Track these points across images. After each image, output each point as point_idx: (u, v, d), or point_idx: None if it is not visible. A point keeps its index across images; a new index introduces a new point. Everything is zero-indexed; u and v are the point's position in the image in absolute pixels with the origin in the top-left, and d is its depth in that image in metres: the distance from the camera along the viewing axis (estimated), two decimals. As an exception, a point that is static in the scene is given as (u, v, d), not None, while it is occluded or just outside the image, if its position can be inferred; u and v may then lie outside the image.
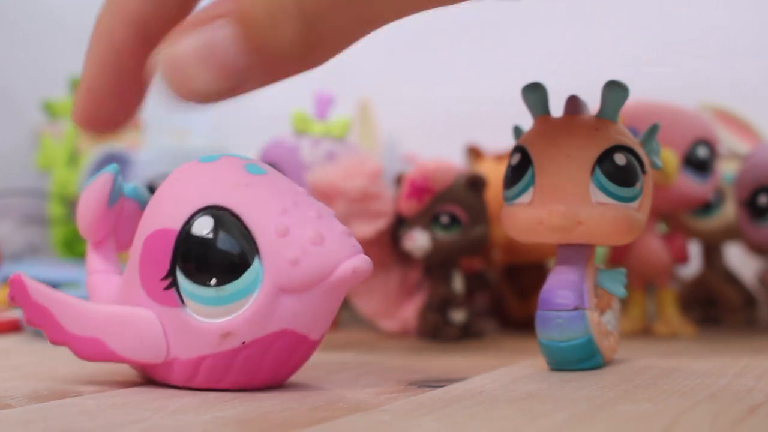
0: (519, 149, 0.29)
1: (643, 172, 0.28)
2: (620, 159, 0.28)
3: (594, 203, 0.27)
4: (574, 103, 0.29)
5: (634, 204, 0.28)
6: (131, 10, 0.24)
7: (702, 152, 0.42)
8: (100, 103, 0.26)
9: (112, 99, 0.26)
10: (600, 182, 0.27)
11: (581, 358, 0.28)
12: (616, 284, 0.30)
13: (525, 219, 0.28)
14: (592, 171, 0.27)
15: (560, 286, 0.28)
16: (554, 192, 0.28)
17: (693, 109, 0.45)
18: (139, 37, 0.25)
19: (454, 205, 0.42)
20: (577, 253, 0.29)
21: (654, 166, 0.29)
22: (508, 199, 0.29)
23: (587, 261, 0.29)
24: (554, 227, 0.27)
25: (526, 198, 0.28)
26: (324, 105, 0.52)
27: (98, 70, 0.25)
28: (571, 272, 0.29)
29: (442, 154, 0.48)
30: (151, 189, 0.55)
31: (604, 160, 0.28)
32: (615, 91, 0.28)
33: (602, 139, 0.28)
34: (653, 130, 0.30)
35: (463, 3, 0.26)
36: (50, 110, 0.64)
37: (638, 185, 0.28)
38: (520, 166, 0.29)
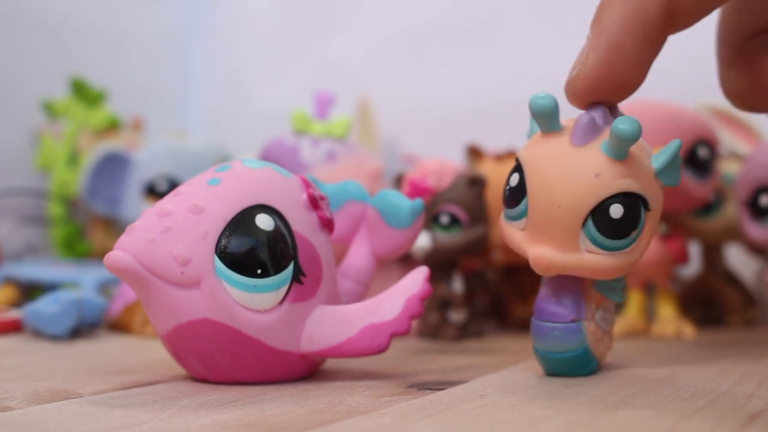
0: (518, 170, 0.28)
1: (648, 209, 0.27)
2: (617, 211, 0.26)
3: (583, 251, 0.26)
4: (580, 129, 0.26)
5: (629, 248, 0.27)
6: None
7: (702, 152, 0.42)
8: (622, 58, 0.26)
9: (627, 59, 0.26)
10: (591, 234, 0.26)
11: (577, 367, 0.28)
12: (613, 290, 0.29)
13: (517, 245, 0.28)
14: (585, 222, 0.26)
15: (558, 295, 0.28)
16: (543, 236, 0.27)
17: (693, 109, 0.45)
18: (666, 10, 0.26)
19: (454, 205, 0.42)
20: None
21: (672, 185, 0.27)
22: (506, 216, 0.29)
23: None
24: (539, 270, 0.27)
25: (520, 224, 0.28)
26: (324, 105, 0.52)
27: (626, 24, 0.26)
28: (568, 280, 0.28)
29: (442, 154, 0.48)
30: (151, 189, 0.56)
31: (599, 212, 0.26)
32: (625, 132, 0.25)
33: (600, 188, 0.26)
34: (675, 150, 0.27)
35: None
36: (50, 110, 0.64)
37: (635, 233, 0.26)
38: (518, 191, 0.28)
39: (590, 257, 0.26)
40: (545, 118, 0.27)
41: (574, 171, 0.26)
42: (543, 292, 0.28)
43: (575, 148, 0.26)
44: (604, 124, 0.27)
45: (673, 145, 0.27)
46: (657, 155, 0.27)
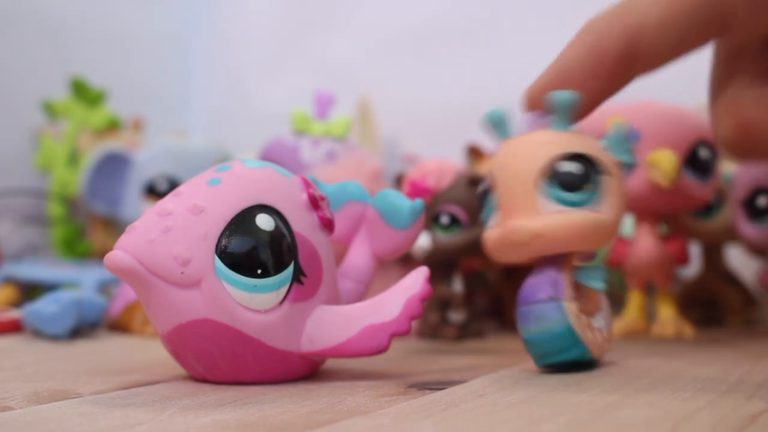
0: (487, 176, 0.30)
1: (599, 172, 0.29)
2: (565, 165, 0.28)
3: (546, 214, 0.28)
4: (529, 122, 0.30)
5: (592, 205, 0.28)
6: (629, 24, 0.27)
7: (703, 153, 0.42)
8: (567, 85, 0.28)
9: (575, 87, 0.28)
10: (548, 192, 0.28)
11: (562, 348, 0.28)
12: (594, 279, 0.30)
13: (494, 241, 0.29)
14: (539, 183, 0.28)
15: (536, 279, 0.29)
16: (509, 213, 0.29)
17: (693, 109, 0.45)
18: (625, 50, 0.27)
19: (454, 205, 0.42)
20: (553, 256, 0.29)
21: (627, 163, 0.30)
22: (484, 224, 0.30)
23: (564, 260, 0.29)
24: (514, 244, 0.28)
25: (494, 221, 0.30)
26: (324, 105, 0.52)
27: (579, 56, 0.28)
28: (547, 269, 0.29)
29: (442, 154, 0.48)
30: (151, 189, 0.56)
31: (550, 170, 0.28)
32: (561, 98, 0.28)
33: (547, 152, 0.28)
34: (616, 130, 0.30)
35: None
36: (50, 110, 0.64)
37: (590, 186, 0.28)
38: (486, 192, 0.30)
39: (556, 215, 0.28)
40: (497, 127, 0.30)
41: (524, 145, 0.29)
42: (525, 282, 0.29)
43: (525, 135, 0.29)
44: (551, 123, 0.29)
45: (618, 125, 0.30)
46: (605, 137, 0.30)
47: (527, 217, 0.28)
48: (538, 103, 0.29)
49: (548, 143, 0.29)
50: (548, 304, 0.28)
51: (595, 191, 0.28)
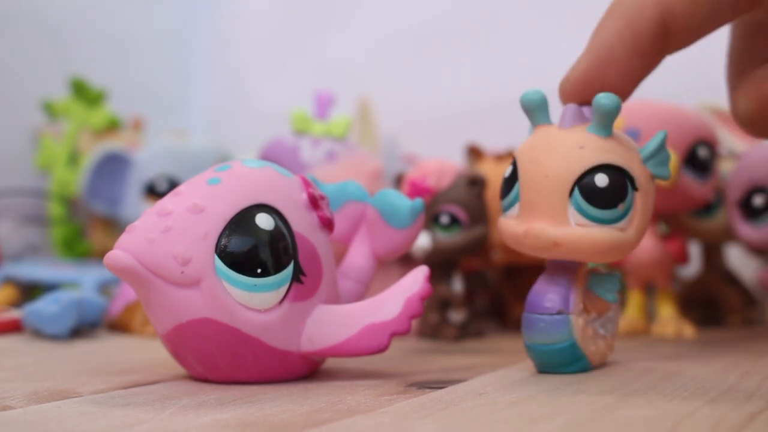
0: (512, 163, 0.29)
1: (635, 188, 0.27)
2: (601, 180, 0.26)
3: (572, 225, 0.27)
4: (567, 115, 0.28)
5: (620, 224, 0.27)
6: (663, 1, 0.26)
7: (702, 153, 0.42)
8: (611, 66, 0.27)
9: (616, 67, 0.27)
10: (579, 205, 0.27)
11: (564, 362, 0.28)
12: (607, 290, 0.29)
13: (511, 233, 0.28)
14: (571, 192, 0.27)
15: (546, 290, 0.28)
16: (532, 212, 0.27)
17: (693, 109, 0.45)
18: (660, 26, 0.27)
19: (454, 205, 0.42)
20: (567, 260, 0.29)
21: (661, 177, 0.28)
22: (503, 210, 0.29)
23: (577, 267, 0.29)
24: (531, 247, 0.27)
25: (514, 211, 0.28)
26: (324, 105, 0.52)
27: (617, 33, 0.27)
28: (559, 277, 0.28)
29: (442, 154, 0.48)
30: (151, 189, 0.56)
31: (584, 181, 0.27)
32: (606, 105, 0.26)
33: (585, 159, 0.27)
34: (662, 139, 0.28)
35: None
36: (50, 110, 0.64)
37: (622, 206, 0.27)
38: (511, 179, 0.29)
39: (581, 230, 0.27)
40: (533, 111, 0.28)
41: (560, 144, 0.27)
42: (534, 287, 0.29)
43: (562, 130, 0.28)
44: (591, 117, 0.28)
45: (660, 134, 0.28)
46: (644, 146, 0.28)
47: (550, 223, 0.27)
48: (580, 91, 0.28)
49: (586, 148, 0.27)
50: (555, 317, 0.28)
51: (626, 211, 0.27)
